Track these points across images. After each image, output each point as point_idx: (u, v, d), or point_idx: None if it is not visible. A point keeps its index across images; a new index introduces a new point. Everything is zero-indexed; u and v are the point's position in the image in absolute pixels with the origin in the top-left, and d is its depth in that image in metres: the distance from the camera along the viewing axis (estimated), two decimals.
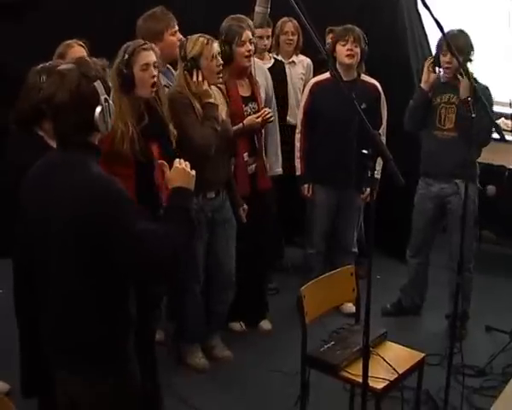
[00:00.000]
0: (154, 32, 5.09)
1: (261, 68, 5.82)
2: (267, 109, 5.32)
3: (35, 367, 3.73)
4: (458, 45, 5.07)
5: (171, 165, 4.22)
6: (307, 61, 6.62)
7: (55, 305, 2.85)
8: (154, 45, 4.38)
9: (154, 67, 4.26)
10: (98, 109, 2.76)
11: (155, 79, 4.26)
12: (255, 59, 5.54)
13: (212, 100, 4.73)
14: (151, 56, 4.26)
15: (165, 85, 4.90)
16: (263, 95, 5.59)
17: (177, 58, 5.09)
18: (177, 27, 5.15)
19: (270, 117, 5.31)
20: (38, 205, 2.82)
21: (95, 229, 2.67)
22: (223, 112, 4.88)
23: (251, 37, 5.22)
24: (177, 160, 3.08)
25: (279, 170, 5.82)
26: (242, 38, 5.17)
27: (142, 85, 4.23)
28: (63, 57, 4.68)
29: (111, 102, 2.85)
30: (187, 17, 5.38)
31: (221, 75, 4.83)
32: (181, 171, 3.02)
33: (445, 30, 4.22)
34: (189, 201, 2.97)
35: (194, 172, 3.05)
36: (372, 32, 5.81)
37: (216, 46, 4.76)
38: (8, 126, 4.03)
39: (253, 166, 5.39)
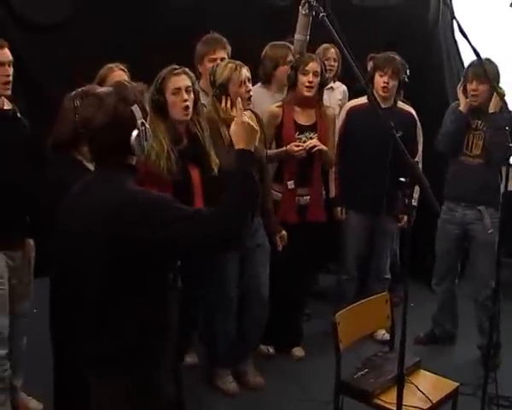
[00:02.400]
0: (198, 55, 5.30)
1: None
2: (313, 141, 5.31)
3: (68, 386, 3.75)
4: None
5: (209, 192, 4.28)
6: (343, 87, 6.65)
7: (90, 315, 2.84)
8: (187, 70, 4.43)
9: (187, 91, 4.30)
10: (134, 133, 2.78)
11: (187, 103, 4.30)
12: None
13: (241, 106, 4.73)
14: (182, 81, 4.32)
15: (203, 104, 4.96)
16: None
17: None
18: (220, 55, 5.22)
19: (314, 147, 5.29)
20: (74, 220, 2.84)
21: (134, 234, 2.66)
22: None
23: (317, 69, 5.28)
24: (244, 114, 3.04)
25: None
26: (306, 68, 5.25)
27: (175, 109, 4.30)
28: (104, 80, 4.74)
29: (148, 126, 2.86)
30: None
31: (251, 102, 4.85)
32: (246, 126, 2.97)
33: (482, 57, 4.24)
34: (253, 165, 2.92)
35: (258, 128, 3.03)
36: (408, 59, 5.79)
37: (245, 72, 4.75)
38: (47, 149, 4.09)
39: (307, 197, 5.42)
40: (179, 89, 4.29)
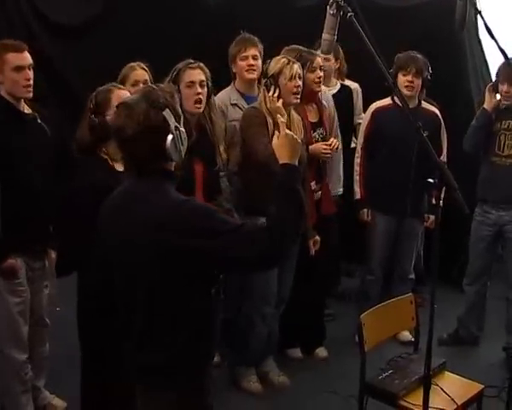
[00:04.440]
0: (231, 54, 5.34)
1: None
2: (335, 140, 5.30)
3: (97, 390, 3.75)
4: None
5: (211, 185, 4.46)
6: (354, 85, 6.61)
7: (142, 326, 2.80)
8: (202, 65, 4.55)
9: (201, 85, 4.48)
10: (169, 138, 2.71)
11: (200, 97, 4.46)
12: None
13: (283, 119, 4.72)
14: (197, 75, 4.49)
15: (235, 104, 5.16)
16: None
17: (249, 80, 5.26)
18: (251, 52, 5.26)
19: (338, 147, 5.31)
20: (119, 233, 2.79)
21: (181, 247, 2.63)
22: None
23: (321, 64, 5.27)
24: (286, 128, 2.97)
25: (340, 190, 5.84)
26: (314, 64, 5.21)
27: (187, 102, 4.42)
28: (126, 79, 4.79)
29: (182, 129, 2.80)
30: None
31: (298, 97, 4.86)
32: (290, 139, 2.90)
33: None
34: (298, 180, 2.83)
35: (300, 141, 2.97)
36: (433, 60, 5.77)
37: (297, 68, 4.81)
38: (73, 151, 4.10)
39: (319, 192, 5.39)
40: (193, 82, 4.47)
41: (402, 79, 5.56)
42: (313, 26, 4.98)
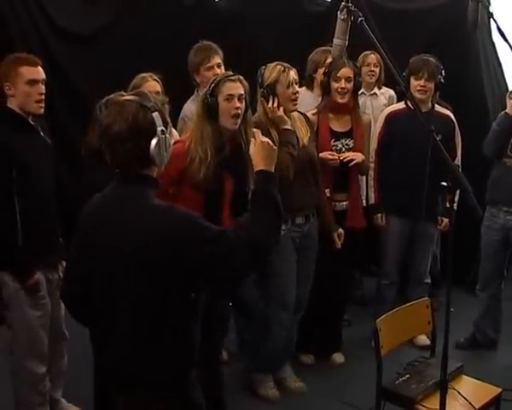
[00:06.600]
0: (192, 64, 5.28)
1: None
2: (350, 154, 5.28)
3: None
4: None
5: (239, 203, 4.24)
6: (390, 92, 6.61)
7: (121, 334, 2.76)
8: (242, 78, 4.40)
9: (239, 99, 4.31)
10: (154, 141, 2.71)
11: (238, 111, 4.30)
12: None
13: (287, 126, 4.75)
14: (237, 88, 4.31)
15: None
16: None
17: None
18: (215, 61, 5.23)
19: (350, 161, 5.25)
20: (101, 239, 2.77)
21: (167, 256, 2.63)
22: (305, 138, 4.89)
23: (349, 75, 5.23)
24: (261, 136, 3.02)
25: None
26: (338, 74, 5.22)
27: (224, 115, 4.29)
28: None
29: (168, 135, 2.79)
30: (260, 47, 5.42)
31: (297, 103, 4.84)
32: (266, 146, 2.97)
33: None
34: (274, 186, 2.88)
35: (276, 148, 3.02)
36: (446, 61, 5.75)
37: (293, 74, 4.77)
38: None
39: (344, 203, 5.38)
40: (232, 95, 4.29)
41: (414, 84, 5.53)
42: (322, 31, 5.01)
